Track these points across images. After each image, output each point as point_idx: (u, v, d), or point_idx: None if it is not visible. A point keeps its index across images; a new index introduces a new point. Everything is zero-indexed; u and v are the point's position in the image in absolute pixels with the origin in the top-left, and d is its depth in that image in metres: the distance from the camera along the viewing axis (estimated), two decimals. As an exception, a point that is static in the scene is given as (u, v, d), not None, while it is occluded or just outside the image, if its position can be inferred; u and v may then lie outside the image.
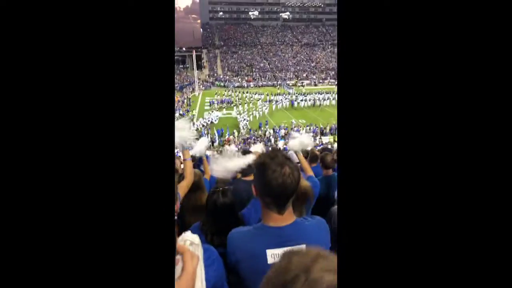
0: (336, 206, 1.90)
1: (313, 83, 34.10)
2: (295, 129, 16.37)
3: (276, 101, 22.49)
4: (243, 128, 17.21)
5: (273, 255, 0.91)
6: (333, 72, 37.82)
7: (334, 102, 22.72)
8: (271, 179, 0.88)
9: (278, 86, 30.86)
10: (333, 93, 23.99)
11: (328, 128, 17.30)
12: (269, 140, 15.53)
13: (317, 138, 15.46)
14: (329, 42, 45.52)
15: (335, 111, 21.15)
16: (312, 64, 39.82)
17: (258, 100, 23.09)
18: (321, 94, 23.85)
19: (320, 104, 22.52)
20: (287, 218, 0.95)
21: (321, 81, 35.00)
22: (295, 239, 0.93)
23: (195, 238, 0.68)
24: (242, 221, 1.45)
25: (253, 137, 15.81)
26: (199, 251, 0.65)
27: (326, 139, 15.38)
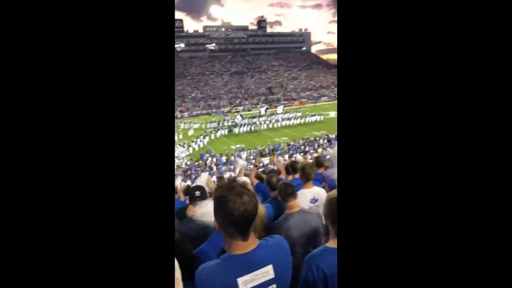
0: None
1: (246, 109, 35.58)
2: (236, 154, 16.60)
3: (215, 128, 22.67)
4: (182, 160, 16.68)
5: (244, 282, 0.94)
6: (263, 97, 40.18)
7: (271, 125, 24.04)
8: (233, 210, 0.93)
9: (214, 114, 31.23)
10: (267, 116, 25.56)
11: (266, 149, 18.03)
12: (212, 169, 15.32)
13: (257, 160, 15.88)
14: (256, 70, 48.63)
15: (271, 133, 22.29)
16: (243, 91, 41.68)
17: (189, 130, 22.96)
18: (255, 117, 25.11)
19: (256, 129, 23.49)
20: (252, 242, 0.99)
21: (253, 106, 36.77)
22: (263, 261, 0.97)
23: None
24: (198, 258, 1.41)
25: (193, 168, 15.39)
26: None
27: (266, 160, 15.95)
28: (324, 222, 1.58)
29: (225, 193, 0.96)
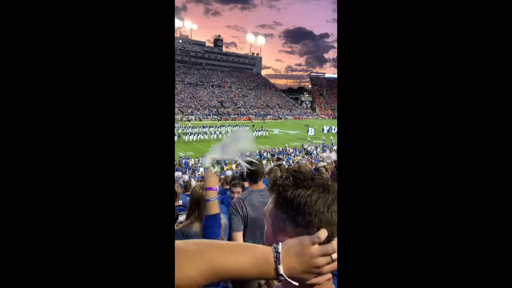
0: None
1: (198, 118, 35.19)
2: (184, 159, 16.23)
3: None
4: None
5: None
6: (215, 110, 40.28)
7: (220, 136, 24.23)
8: None
9: (164, 121, 30.07)
10: (216, 127, 25.82)
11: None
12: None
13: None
14: (210, 83, 48.69)
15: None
16: (196, 102, 41.16)
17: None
18: (205, 128, 25.16)
19: (207, 138, 23.40)
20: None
21: (204, 116, 36.56)
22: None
23: None
24: None
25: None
26: None
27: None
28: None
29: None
